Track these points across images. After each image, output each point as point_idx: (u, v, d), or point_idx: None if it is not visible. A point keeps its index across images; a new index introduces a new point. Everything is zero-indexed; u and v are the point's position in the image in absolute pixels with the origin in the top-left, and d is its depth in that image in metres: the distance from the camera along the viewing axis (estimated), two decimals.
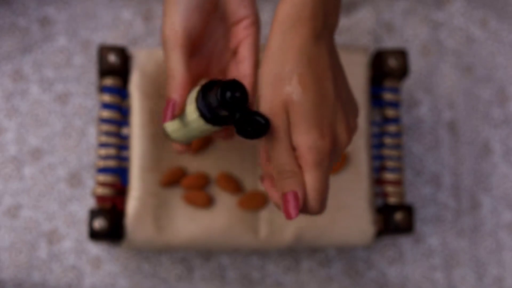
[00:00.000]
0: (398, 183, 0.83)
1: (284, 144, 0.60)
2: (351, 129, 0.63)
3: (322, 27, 0.61)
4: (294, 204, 0.60)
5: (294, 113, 0.60)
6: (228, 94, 0.59)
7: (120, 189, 0.81)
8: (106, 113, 0.81)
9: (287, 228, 0.80)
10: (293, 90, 0.60)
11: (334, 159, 0.62)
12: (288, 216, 0.61)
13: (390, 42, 0.96)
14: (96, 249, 0.89)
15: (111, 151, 0.81)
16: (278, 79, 0.60)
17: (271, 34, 0.61)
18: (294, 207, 0.60)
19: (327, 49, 0.61)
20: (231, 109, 0.60)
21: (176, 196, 0.80)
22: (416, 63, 0.96)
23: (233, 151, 0.81)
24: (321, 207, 0.62)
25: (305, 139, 0.60)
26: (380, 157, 0.84)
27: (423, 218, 0.93)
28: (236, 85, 0.60)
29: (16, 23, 0.93)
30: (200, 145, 0.80)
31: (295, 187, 0.60)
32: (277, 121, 0.60)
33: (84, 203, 0.90)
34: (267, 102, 0.60)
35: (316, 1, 0.60)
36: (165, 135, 0.71)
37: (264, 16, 0.94)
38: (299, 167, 0.61)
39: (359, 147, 0.82)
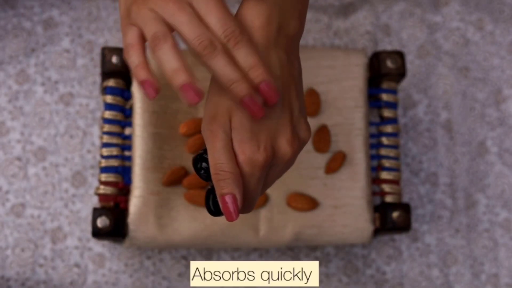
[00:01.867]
0: (395, 182, 0.84)
1: (222, 143, 0.59)
2: (298, 142, 0.61)
3: (275, 35, 0.60)
4: (233, 207, 0.59)
5: (235, 119, 0.59)
6: (199, 164, 0.62)
7: (122, 188, 0.81)
8: (109, 114, 0.82)
9: (286, 227, 0.81)
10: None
11: (274, 170, 0.61)
12: (229, 219, 0.59)
13: (387, 44, 0.96)
14: (99, 247, 0.90)
15: (114, 151, 0.81)
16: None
17: None
18: (234, 210, 0.59)
19: (280, 58, 0.60)
20: (201, 177, 0.62)
21: (177, 195, 0.81)
22: (413, 64, 0.96)
23: None
24: (246, 211, 0.62)
25: (242, 150, 0.59)
26: (378, 157, 0.84)
27: (420, 217, 0.93)
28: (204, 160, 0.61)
29: (21, 25, 0.93)
30: (201, 145, 0.81)
31: (232, 189, 0.59)
32: (219, 121, 0.59)
33: (87, 202, 0.90)
34: (211, 105, 0.60)
35: (268, 9, 0.60)
36: None
37: None
38: (237, 167, 0.59)
39: (357, 147, 0.83)
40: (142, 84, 0.58)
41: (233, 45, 0.58)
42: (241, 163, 0.59)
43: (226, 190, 0.59)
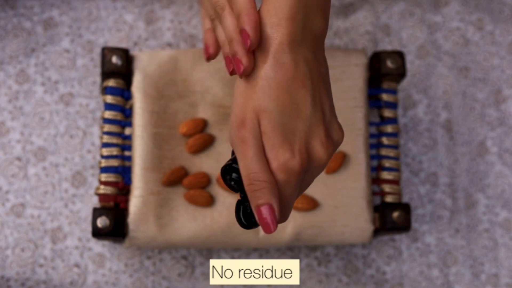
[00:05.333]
0: (395, 182, 0.84)
1: (253, 150, 0.56)
2: (332, 143, 0.58)
3: (301, 31, 0.57)
4: (271, 218, 0.56)
5: (264, 122, 0.56)
6: (228, 176, 0.58)
7: (122, 188, 0.81)
8: (109, 114, 0.82)
9: (286, 227, 0.81)
10: (263, 97, 0.56)
11: (309, 175, 0.58)
12: (267, 231, 0.56)
13: (387, 44, 0.96)
14: (99, 247, 0.90)
15: (114, 151, 0.81)
16: (251, 85, 0.57)
17: None
18: (272, 221, 0.56)
19: (305, 56, 0.57)
20: (230, 187, 0.58)
21: (177, 195, 0.81)
22: (413, 64, 0.96)
23: None
24: (282, 220, 0.59)
25: (275, 155, 0.56)
26: (378, 157, 0.84)
27: (420, 217, 0.93)
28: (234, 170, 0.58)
29: (21, 25, 0.94)
30: (201, 145, 0.81)
31: (269, 199, 0.56)
32: (248, 127, 0.56)
33: (87, 202, 0.90)
34: (238, 109, 0.57)
35: (293, 4, 0.57)
36: None
37: None
38: (272, 174, 0.56)
39: (357, 147, 0.83)
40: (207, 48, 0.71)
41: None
42: (275, 170, 0.56)
43: (263, 200, 0.56)
